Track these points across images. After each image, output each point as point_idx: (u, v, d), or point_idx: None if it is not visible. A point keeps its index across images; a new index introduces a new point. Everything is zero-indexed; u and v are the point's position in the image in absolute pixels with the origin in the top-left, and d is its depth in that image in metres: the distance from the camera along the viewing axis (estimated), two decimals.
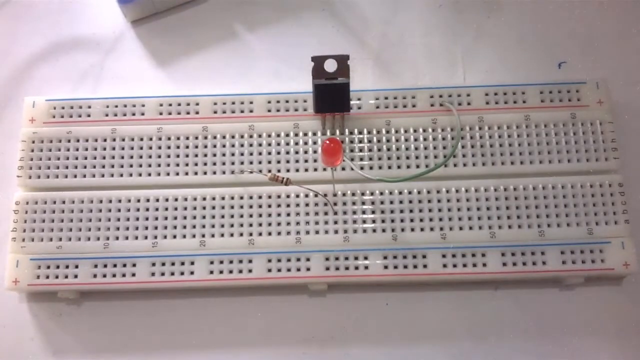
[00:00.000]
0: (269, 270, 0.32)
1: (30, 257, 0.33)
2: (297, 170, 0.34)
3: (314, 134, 0.35)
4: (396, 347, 0.33)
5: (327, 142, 0.30)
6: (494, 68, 0.38)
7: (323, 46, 0.37)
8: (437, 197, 0.33)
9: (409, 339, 0.33)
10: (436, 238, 0.33)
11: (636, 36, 0.38)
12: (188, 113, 0.35)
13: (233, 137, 0.35)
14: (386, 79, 0.37)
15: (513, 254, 0.32)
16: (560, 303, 0.33)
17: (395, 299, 0.33)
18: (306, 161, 0.34)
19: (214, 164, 0.34)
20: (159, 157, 0.34)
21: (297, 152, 0.34)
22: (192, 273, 0.32)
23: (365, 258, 0.33)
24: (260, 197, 0.34)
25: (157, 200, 0.34)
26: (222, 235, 0.33)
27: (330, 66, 0.32)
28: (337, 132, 0.35)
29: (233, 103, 0.35)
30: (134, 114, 0.35)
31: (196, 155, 0.34)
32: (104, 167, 0.34)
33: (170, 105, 0.35)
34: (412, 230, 0.33)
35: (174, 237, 0.33)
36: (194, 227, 0.33)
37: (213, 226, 0.33)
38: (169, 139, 0.35)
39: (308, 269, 0.32)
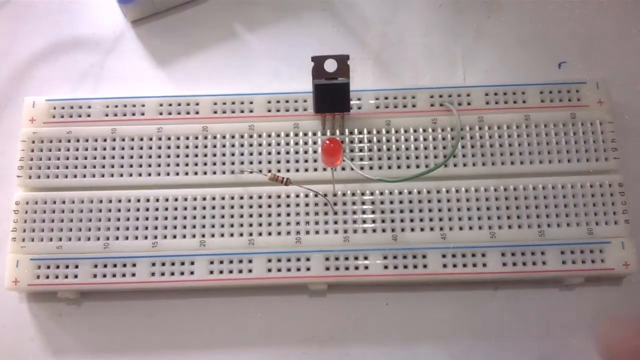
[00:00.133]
0: (269, 270, 0.32)
1: (30, 257, 0.33)
2: (297, 170, 0.34)
3: (314, 134, 0.35)
4: (396, 347, 0.33)
5: (327, 142, 0.30)
6: (494, 68, 0.38)
7: (323, 46, 0.37)
8: (437, 197, 0.33)
9: (409, 339, 0.33)
10: (436, 238, 0.33)
11: (636, 36, 0.38)
12: (188, 113, 0.35)
13: (233, 137, 0.35)
14: (386, 79, 0.37)
15: (513, 254, 0.32)
16: (560, 303, 0.33)
17: (395, 299, 0.33)
18: (306, 161, 0.34)
19: (214, 164, 0.34)
20: (159, 157, 0.34)
21: (297, 152, 0.34)
22: (192, 273, 0.32)
23: (365, 258, 0.33)
24: (260, 197, 0.34)
25: (157, 200, 0.34)
26: (222, 235, 0.33)
27: (330, 66, 0.32)
28: (337, 132, 0.35)
29: (233, 103, 0.35)
30: (134, 114, 0.35)
31: (196, 155, 0.34)
32: (104, 167, 0.34)
33: (170, 105, 0.35)
34: (412, 230, 0.33)
35: (174, 237, 0.33)
36: (194, 227, 0.33)
37: (213, 226, 0.33)
38: (169, 139, 0.35)
39: (308, 269, 0.32)
